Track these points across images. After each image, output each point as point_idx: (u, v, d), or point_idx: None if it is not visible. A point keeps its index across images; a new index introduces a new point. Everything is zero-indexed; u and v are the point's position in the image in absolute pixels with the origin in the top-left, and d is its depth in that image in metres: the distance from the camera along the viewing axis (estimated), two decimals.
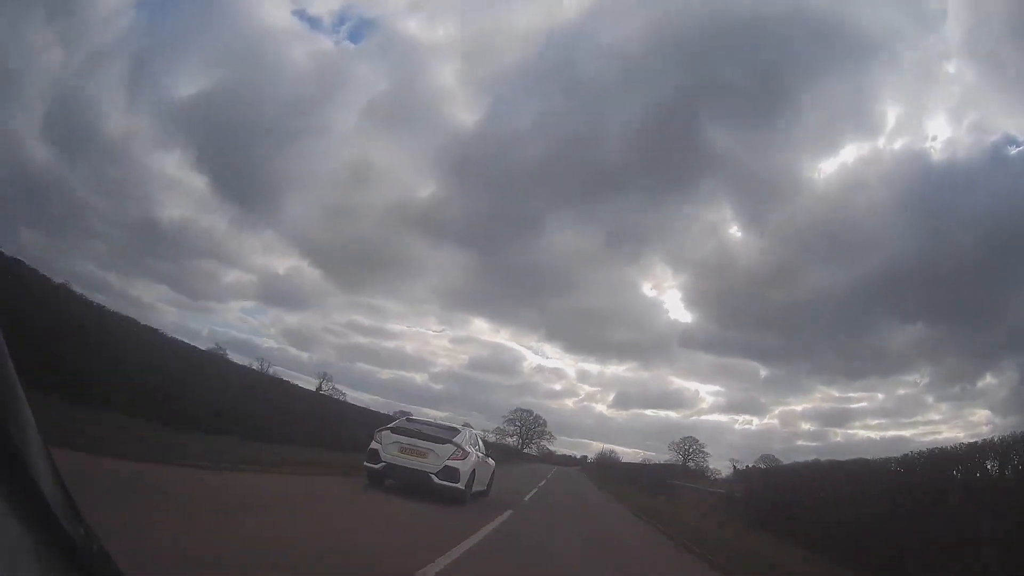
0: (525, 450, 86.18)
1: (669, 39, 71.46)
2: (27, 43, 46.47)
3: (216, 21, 74.16)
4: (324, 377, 46.11)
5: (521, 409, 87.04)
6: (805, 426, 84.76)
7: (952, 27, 70.17)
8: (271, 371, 29.13)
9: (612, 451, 79.63)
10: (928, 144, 74.09)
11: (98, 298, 13.86)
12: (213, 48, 74.38)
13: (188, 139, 75.64)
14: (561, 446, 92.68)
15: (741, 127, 77.86)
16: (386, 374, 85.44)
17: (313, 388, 32.25)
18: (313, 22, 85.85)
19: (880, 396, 72.06)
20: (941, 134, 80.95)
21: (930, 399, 64.06)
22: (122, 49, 62.91)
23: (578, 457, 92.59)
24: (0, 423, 1.09)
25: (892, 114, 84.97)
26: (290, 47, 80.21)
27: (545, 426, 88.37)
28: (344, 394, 38.13)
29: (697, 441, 69.94)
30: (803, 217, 75.39)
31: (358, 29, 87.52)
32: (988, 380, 55.46)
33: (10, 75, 43.10)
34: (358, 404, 33.79)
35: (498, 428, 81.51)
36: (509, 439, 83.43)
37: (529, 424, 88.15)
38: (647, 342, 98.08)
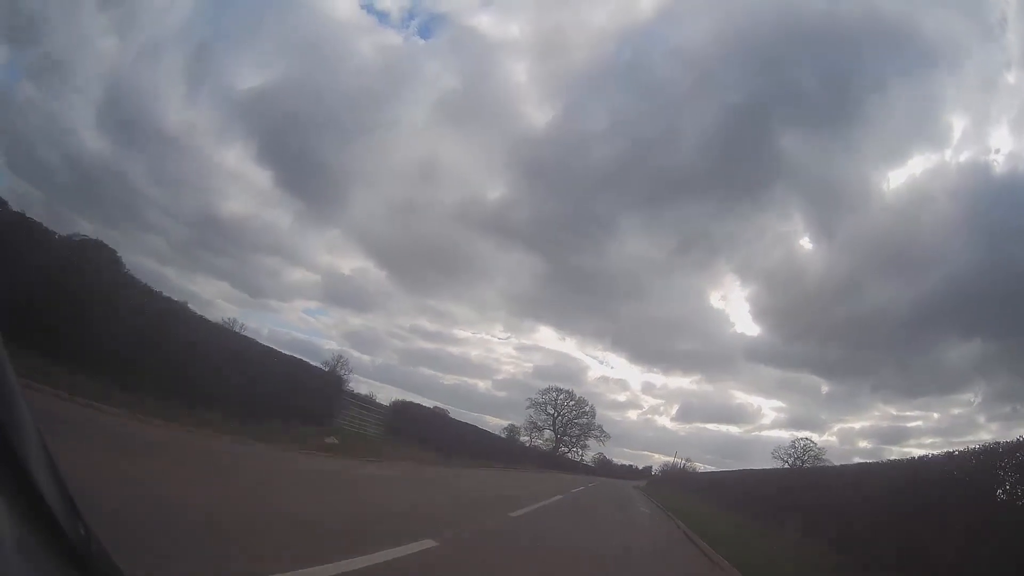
0: (567, 453, 72.31)
1: (742, 42, 70.40)
2: (83, 31, 47.78)
3: (281, 11, 73.29)
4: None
5: (556, 388, 71.85)
6: (862, 443, 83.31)
7: (1012, 37, 67.88)
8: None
9: (686, 461, 71.26)
10: (991, 157, 72.76)
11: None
12: (278, 39, 73.86)
13: (250, 132, 75.01)
14: (621, 457, 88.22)
15: (812, 135, 76.57)
16: (449, 380, 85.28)
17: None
18: (382, 16, 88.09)
19: (935, 415, 68.84)
20: (1004, 146, 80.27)
21: (982, 419, 61.16)
22: (184, 38, 64.29)
23: (640, 468, 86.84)
24: (1, 426, 1.08)
25: (957, 125, 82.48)
26: (358, 41, 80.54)
27: (592, 415, 72.24)
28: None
29: (814, 442, 58.94)
30: (871, 229, 73.81)
31: (428, 25, 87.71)
32: None
33: (67, 65, 46.20)
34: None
35: (527, 422, 69.73)
36: (539, 437, 70.09)
37: (567, 411, 71.50)
38: (712, 354, 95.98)
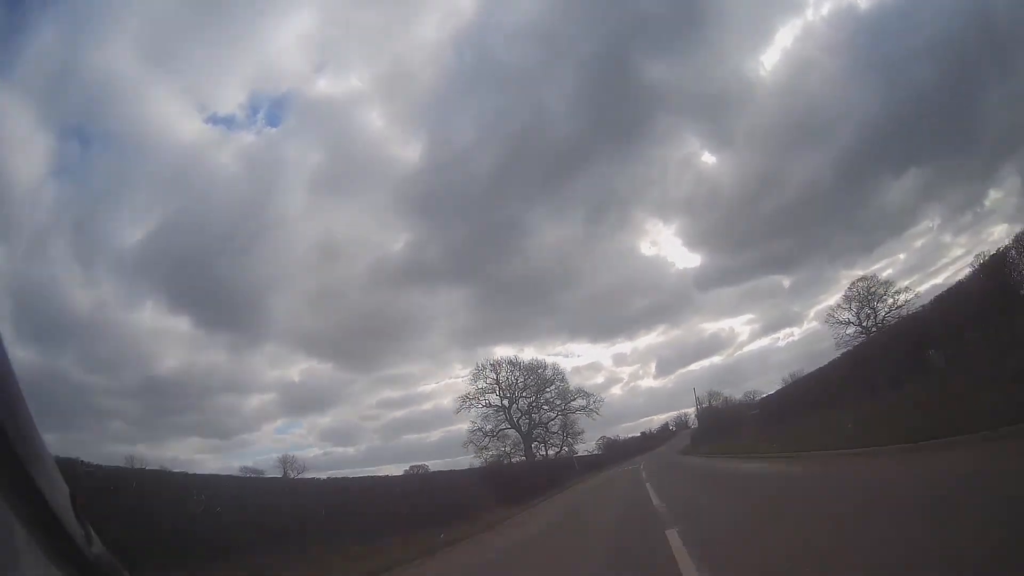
0: (552, 451, 47.58)
1: None
2: None
3: (137, 157, 69.30)
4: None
5: (491, 364, 47.17)
6: (847, 315, 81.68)
7: None
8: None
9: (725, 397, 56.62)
10: None
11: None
12: (144, 186, 69.83)
13: (153, 286, 69.47)
14: (625, 433, 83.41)
15: (673, 53, 76.86)
16: (435, 435, 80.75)
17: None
18: (228, 122, 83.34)
19: (902, 256, 70.67)
20: None
21: (948, 238, 63.21)
22: (56, 222, 60.30)
23: (654, 432, 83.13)
24: (2, 429, 1.10)
25: None
26: (216, 156, 75.91)
27: (562, 380, 47.80)
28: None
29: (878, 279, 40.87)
30: (765, 117, 74.80)
31: (273, 111, 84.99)
32: (993, 196, 54.14)
33: None
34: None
35: (469, 433, 45.22)
36: (498, 446, 45.23)
37: (521, 390, 46.04)
38: (666, 301, 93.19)
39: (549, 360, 68.67)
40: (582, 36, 75.43)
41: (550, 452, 48.32)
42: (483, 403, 46.62)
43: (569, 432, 48.84)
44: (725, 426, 41.68)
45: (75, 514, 1.28)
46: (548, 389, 47.67)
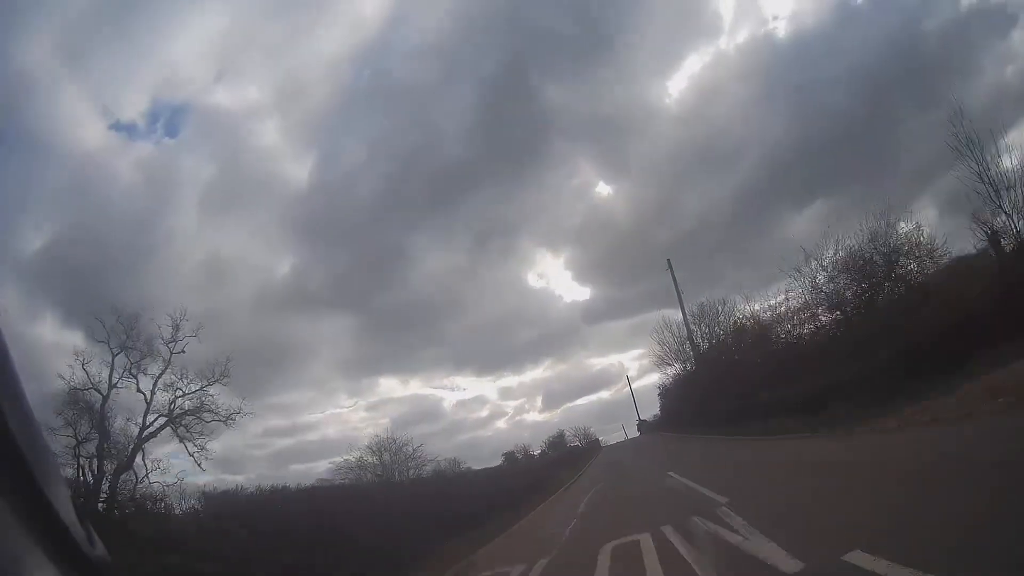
0: None
1: (476, 13, 68.12)
2: None
3: (39, 163, 61.13)
4: None
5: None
6: None
7: None
8: None
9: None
10: (771, 26, 72.48)
11: None
12: (44, 193, 59.86)
13: (50, 298, 62.59)
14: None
15: (574, 75, 72.86)
16: (321, 466, 74.84)
17: None
18: (130, 130, 74.07)
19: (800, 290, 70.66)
20: (782, 10, 78.18)
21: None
22: None
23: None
24: (5, 428, 1.10)
25: (726, 8, 78.59)
26: (115, 164, 67.35)
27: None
28: None
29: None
30: (665, 145, 71.96)
31: (172, 121, 78.43)
32: (904, 229, 52.63)
33: None
34: None
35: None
36: None
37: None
38: (553, 333, 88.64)
39: (451, 421, 67.57)
40: (481, 55, 71.88)
41: None
42: None
43: None
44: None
45: (77, 515, 1.29)
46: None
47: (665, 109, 72.94)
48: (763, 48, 67.13)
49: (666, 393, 48.30)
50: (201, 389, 21.02)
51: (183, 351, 20.55)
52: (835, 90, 53.70)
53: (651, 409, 66.23)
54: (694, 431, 32.46)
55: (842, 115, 51.15)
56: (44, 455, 1.20)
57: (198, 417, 20.87)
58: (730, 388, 26.63)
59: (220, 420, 21.06)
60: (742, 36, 71.04)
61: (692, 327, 35.48)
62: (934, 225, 39.98)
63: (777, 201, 63.99)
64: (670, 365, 40.66)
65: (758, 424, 21.42)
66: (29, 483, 1.14)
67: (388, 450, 37.99)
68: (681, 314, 36.67)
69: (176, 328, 20.50)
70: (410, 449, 36.60)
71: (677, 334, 38.43)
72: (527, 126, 74.03)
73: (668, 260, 38.48)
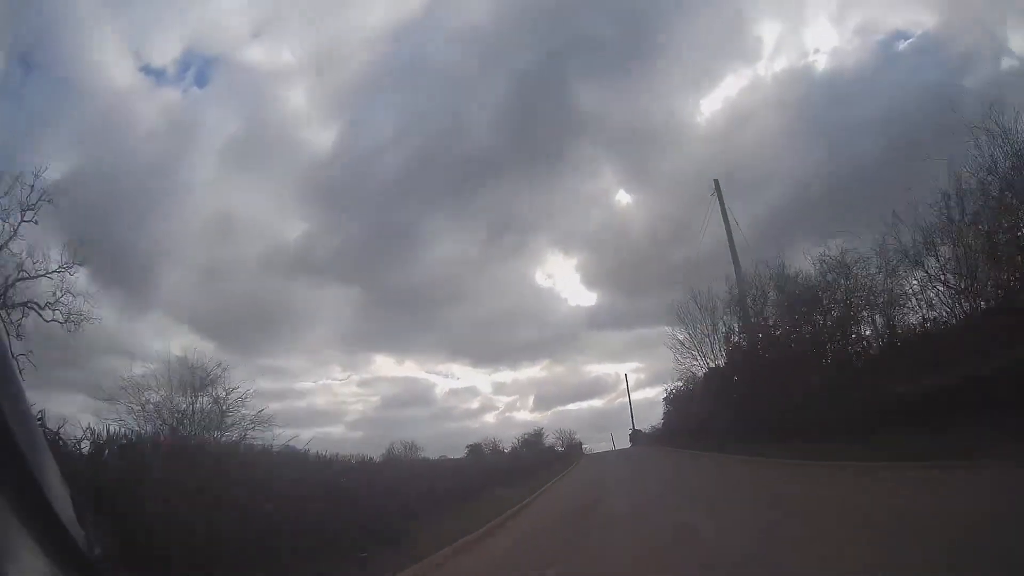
0: None
1: (521, 5, 65.35)
2: None
3: (67, 97, 64.21)
4: None
5: None
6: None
7: None
8: None
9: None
10: (811, 58, 69.91)
11: None
12: (68, 127, 65.96)
13: (62, 231, 62.82)
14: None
15: (613, 80, 71.42)
16: (307, 434, 72.41)
17: None
18: (159, 75, 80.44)
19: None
20: (824, 45, 76.96)
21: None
22: None
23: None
24: (4, 427, 1.10)
25: (769, 34, 77.57)
26: (141, 107, 73.19)
27: None
28: None
29: None
30: (691, 164, 72.14)
31: (203, 71, 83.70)
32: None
33: None
34: None
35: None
36: None
37: None
38: (554, 336, 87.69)
39: (441, 408, 67.54)
40: (520, 47, 69.77)
41: None
42: None
43: None
44: None
45: (78, 516, 1.30)
46: None
47: (695, 127, 70.80)
48: (801, 80, 63.91)
49: (678, 397, 38.97)
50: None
51: (35, 220, 17.97)
52: (865, 133, 53.86)
53: (644, 423, 64.62)
54: (717, 447, 23.16)
55: (869, 159, 52.44)
56: (44, 455, 1.19)
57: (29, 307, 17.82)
58: (795, 383, 17.84)
59: (58, 320, 18.46)
60: (781, 64, 68.07)
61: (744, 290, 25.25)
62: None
63: (792, 236, 60.79)
64: (691, 358, 30.74)
65: (842, 441, 13.21)
66: (29, 482, 1.13)
67: None
68: (732, 261, 26.38)
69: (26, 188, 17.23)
70: None
71: (709, 308, 28.22)
72: (556, 124, 73.15)
73: (716, 181, 30.44)
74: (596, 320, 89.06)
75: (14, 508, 1.10)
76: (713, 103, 75.79)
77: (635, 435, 65.34)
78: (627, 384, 76.06)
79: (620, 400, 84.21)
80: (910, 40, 61.40)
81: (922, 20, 66.19)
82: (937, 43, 54.46)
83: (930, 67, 54.41)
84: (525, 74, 68.06)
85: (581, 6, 66.68)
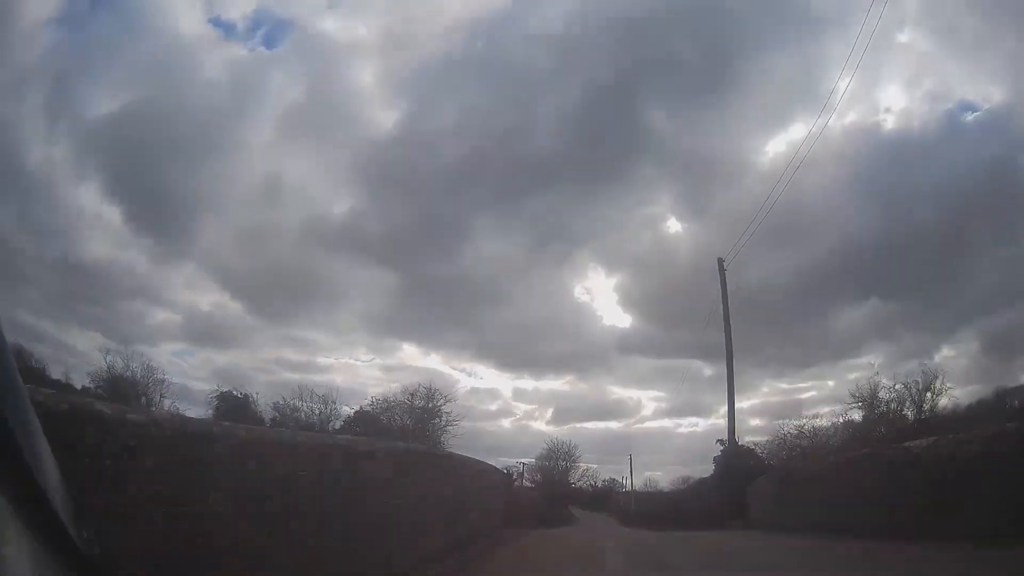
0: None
1: (605, 14, 65.75)
2: None
3: (133, 32, 67.22)
4: None
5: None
6: (753, 422, 79.10)
7: None
8: None
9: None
10: (880, 116, 71.28)
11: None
12: (129, 62, 67.53)
13: (102, 166, 67.80)
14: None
15: (683, 107, 72.01)
16: (319, 411, 72.40)
17: None
18: (228, 28, 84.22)
19: (831, 383, 64.11)
20: (895, 105, 78.58)
21: (884, 380, 56.90)
22: (41, 67, 56.54)
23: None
24: (5, 427, 1.10)
25: (843, 87, 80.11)
26: (205, 57, 74.86)
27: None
28: None
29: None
30: (747, 202, 69.77)
31: (273, 33, 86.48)
32: (946, 352, 48.86)
33: None
34: None
35: None
36: None
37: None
38: (583, 352, 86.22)
39: (460, 405, 62.25)
40: (597, 59, 69.31)
41: None
42: None
43: None
44: None
45: (78, 517, 1.30)
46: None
47: (756, 166, 68.94)
48: (867, 137, 64.47)
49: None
50: None
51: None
52: (922, 198, 54.22)
53: (661, 462, 58.65)
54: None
55: (920, 225, 51.82)
56: (43, 454, 1.19)
57: None
58: None
59: None
60: (850, 118, 66.74)
61: None
62: (973, 357, 42.05)
63: (834, 289, 61.45)
64: None
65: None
66: (28, 481, 1.13)
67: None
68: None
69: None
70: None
71: None
72: (620, 140, 73.26)
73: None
74: (626, 343, 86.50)
75: (14, 508, 1.11)
76: (777, 145, 72.93)
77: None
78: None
79: (637, 426, 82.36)
80: (978, 113, 62.83)
81: (991, 94, 67.23)
82: (1002, 119, 54.95)
83: (994, 142, 54.65)
84: (599, 86, 66.69)
85: (668, 27, 66.15)
